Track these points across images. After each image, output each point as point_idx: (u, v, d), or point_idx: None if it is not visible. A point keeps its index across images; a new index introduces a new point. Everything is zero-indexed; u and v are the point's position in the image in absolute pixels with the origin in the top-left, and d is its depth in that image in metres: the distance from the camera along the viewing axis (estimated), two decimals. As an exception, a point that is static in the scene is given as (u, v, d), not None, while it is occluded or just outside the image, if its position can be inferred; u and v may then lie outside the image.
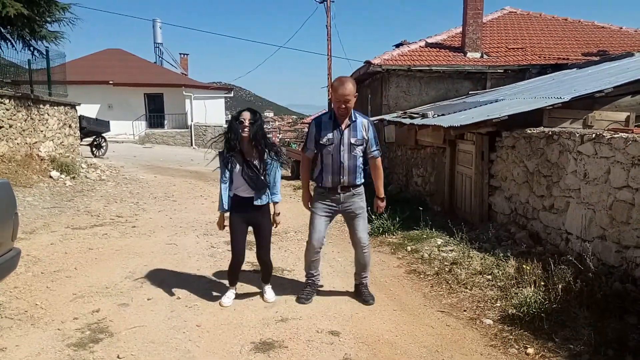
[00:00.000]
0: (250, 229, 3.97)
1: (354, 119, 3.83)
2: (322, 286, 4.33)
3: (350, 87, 3.73)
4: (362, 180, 3.95)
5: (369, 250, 4.07)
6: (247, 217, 3.86)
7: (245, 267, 4.97)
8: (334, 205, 3.95)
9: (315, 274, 4.17)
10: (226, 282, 4.18)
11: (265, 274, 4.15)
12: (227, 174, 3.76)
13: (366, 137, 3.84)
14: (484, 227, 5.95)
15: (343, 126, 3.81)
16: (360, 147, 3.84)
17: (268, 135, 3.89)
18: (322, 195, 3.96)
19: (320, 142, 3.84)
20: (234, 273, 4.02)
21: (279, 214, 3.96)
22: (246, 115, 3.68)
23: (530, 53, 12.97)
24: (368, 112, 13.43)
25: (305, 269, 4.18)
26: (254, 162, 3.74)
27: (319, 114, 4.33)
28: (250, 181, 3.74)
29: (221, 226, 3.96)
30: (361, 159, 3.89)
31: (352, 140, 3.81)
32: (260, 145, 3.72)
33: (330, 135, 3.81)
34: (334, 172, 3.85)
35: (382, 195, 4.08)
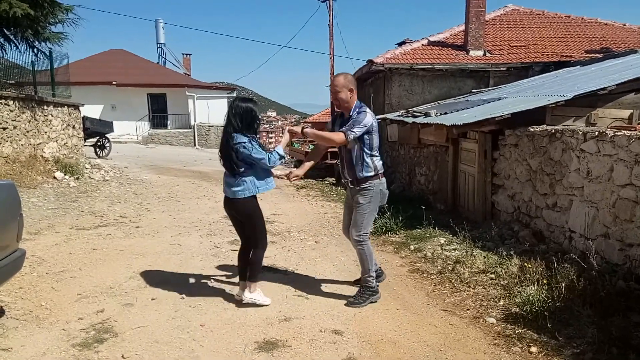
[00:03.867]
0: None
1: (351, 114, 3.85)
2: (381, 274, 4.31)
3: (339, 80, 3.86)
4: (368, 174, 3.85)
5: (363, 248, 3.91)
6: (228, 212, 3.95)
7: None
8: (349, 196, 4.15)
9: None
10: (231, 281, 4.19)
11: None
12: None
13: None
14: (487, 225, 5.94)
15: (344, 121, 3.90)
16: (356, 141, 3.82)
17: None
18: (346, 186, 4.22)
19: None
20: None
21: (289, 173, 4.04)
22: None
23: (533, 51, 12.93)
24: (371, 110, 13.41)
25: None
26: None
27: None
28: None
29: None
30: (362, 152, 3.83)
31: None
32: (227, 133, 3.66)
33: (336, 130, 3.92)
34: (340, 167, 4.12)
35: (305, 131, 3.91)
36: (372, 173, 3.88)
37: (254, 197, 3.76)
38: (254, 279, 3.90)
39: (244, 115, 3.63)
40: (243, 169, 3.65)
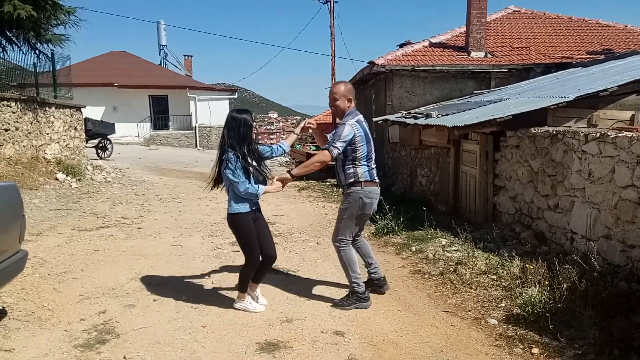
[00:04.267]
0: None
1: (342, 123, 3.84)
2: (382, 277, 4.29)
3: (338, 87, 3.89)
4: (349, 180, 3.83)
5: (340, 253, 3.92)
6: None
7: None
8: None
9: (368, 266, 4.24)
10: (233, 282, 4.19)
11: None
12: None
13: None
14: (488, 226, 5.94)
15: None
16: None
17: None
18: None
19: None
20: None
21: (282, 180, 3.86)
22: None
23: (534, 52, 12.93)
24: (372, 112, 13.43)
25: None
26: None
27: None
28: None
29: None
30: (344, 161, 3.83)
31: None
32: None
33: None
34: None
35: (291, 175, 3.85)
36: (353, 180, 3.85)
37: (243, 214, 3.64)
38: (241, 289, 3.87)
39: (237, 126, 3.56)
40: (226, 185, 3.65)
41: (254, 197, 3.64)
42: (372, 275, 4.24)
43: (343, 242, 3.92)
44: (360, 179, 3.83)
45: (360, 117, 3.88)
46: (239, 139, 3.55)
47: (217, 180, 3.72)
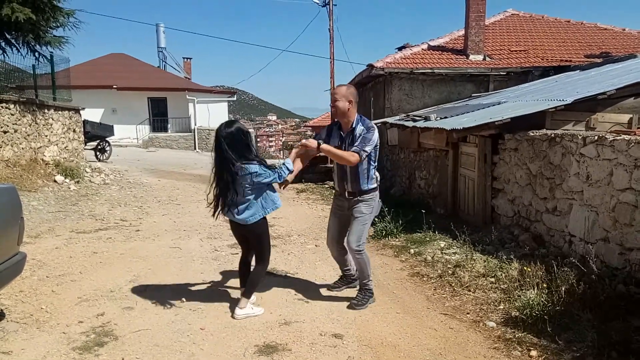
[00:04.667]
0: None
1: (353, 126, 3.86)
2: (357, 279, 4.29)
3: (340, 89, 3.89)
4: (372, 186, 3.91)
5: (362, 257, 3.92)
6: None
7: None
8: (343, 208, 4.05)
9: (344, 269, 4.32)
10: (231, 284, 4.20)
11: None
12: None
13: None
14: (487, 229, 5.95)
15: (344, 134, 3.90)
16: None
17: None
18: (335, 196, 4.20)
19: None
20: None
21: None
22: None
23: (532, 55, 12.97)
24: (371, 114, 13.45)
25: None
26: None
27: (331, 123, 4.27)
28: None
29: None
30: (369, 165, 3.87)
31: (346, 149, 3.83)
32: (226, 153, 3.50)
33: (336, 144, 3.89)
34: (339, 178, 4.00)
35: (319, 145, 3.75)
36: (375, 185, 3.96)
37: (264, 217, 3.70)
38: (248, 295, 3.82)
39: (237, 139, 3.50)
40: (251, 193, 3.58)
41: (288, 172, 3.65)
42: (349, 272, 4.36)
43: (364, 245, 3.97)
44: (378, 182, 3.98)
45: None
46: (247, 148, 3.51)
47: (241, 196, 3.55)
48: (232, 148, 3.47)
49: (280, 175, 3.61)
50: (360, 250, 3.90)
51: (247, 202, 3.59)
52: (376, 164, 3.95)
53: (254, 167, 3.49)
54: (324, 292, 4.39)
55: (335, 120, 4.07)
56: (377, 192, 3.99)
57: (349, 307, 3.98)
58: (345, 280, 4.40)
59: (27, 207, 7.21)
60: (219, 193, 3.63)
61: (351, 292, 4.26)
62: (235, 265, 4.66)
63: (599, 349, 3.06)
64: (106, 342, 3.33)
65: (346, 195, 3.97)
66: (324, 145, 3.77)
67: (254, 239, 3.78)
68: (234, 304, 3.97)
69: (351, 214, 3.95)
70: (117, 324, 3.62)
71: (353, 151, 3.76)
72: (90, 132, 14.38)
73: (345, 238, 4.01)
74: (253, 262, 3.90)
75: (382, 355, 3.24)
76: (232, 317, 3.77)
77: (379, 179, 4.02)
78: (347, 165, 3.84)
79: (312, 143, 3.78)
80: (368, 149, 3.77)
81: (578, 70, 10.46)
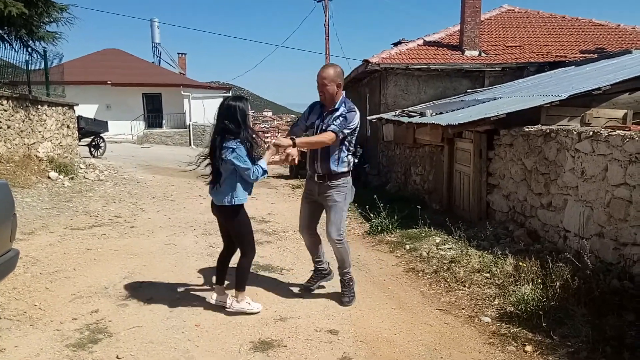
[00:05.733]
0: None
1: (336, 107, 3.76)
2: (330, 273, 4.29)
3: (328, 72, 3.72)
4: (342, 169, 3.79)
5: (343, 246, 3.87)
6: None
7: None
8: (313, 193, 3.94)
9: (316, 259, 4.20)
10: (226, 281, 4.16)
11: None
12: None
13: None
14: (482, 225, 5.95)
15: (325, 113, 3.81)
16: None
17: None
18: (306, 179, 4.07)
19: (306, 124, 3.90)
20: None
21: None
22: None
23: (528, 51, 12.98)
24: (366, 110, 13.44)
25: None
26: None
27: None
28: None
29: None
30: (341, 148, 3.75)
31: (324, 127, 3.73)
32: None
33: (314, 120, 3.84)
34: (311, 158, 3.88)
35: (295, 142, 3.61)
36: (347, 169, 3.84)
37: (241, 205, 3.61)
38: (240, 287, 3.74)
39: (235, 114, 3.46)
40: (226, 175, 3.51)
41: (263, 174, 3.53)
42: (320, 265, 4.24)
43: (345, 234, 3.90)
44: (351, 167, 3.87)
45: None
46: (240, 126, 3.45)
47: (217, 174, 3.54)
48: (230, 120, 3.44)
49: (254, 174, 3.47)
50: (341, 240, 3.85)
51: (224, 184, 3.53)
52: (351, 148, 3.82)
53: (232, 143, 3.42)
54: (319, 288, 4.38)
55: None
56: (348, 178, 3.86)
57: (342, 304, 3.94)
58: (319, 274, 4.27)
59: (21, 204, 7.16)
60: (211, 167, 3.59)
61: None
62: (230, 262, 4.65)
63: (593, 343, 3.07)
64: (100, 339, 3.31)
65: (316, 178, 3.84)
66: (297, 140, 3.64)
67: (231, 228, 3.70)
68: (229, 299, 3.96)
69: (324, 202, 3.86)
70: (112, 321, 3.60)
71: (331, 130, 3.66)
72: (84, 128, 14.30)
73: (325, 229, 3.89)
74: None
75: (377, 351, 3.24)
76: (227, 309, 3.74)
77: (351, 164, 3.87)
78: None
79: (285, 142, 3.64)
80: (346, 131, 3.68)
81: (573, 66, 10.48)
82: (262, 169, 3.51)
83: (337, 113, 3.75)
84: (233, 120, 3.45)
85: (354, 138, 3.83)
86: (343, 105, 3.78)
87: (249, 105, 3.59)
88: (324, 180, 3.82)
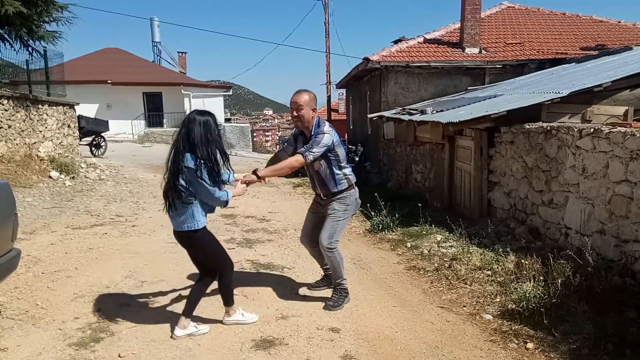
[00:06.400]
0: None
1: (313, 132, 3.72)
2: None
3: (301, 96, 3.69)
4: (342, 187, 3.81)
5: (334, 255, 3.80)
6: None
7: (245, 265, 5.00)
8: (319, 208, 4.01)
9: (324, 267, 4.22)
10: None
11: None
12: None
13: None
14: (483, 222, 5.95)
15: (307, 139, 3.76)
16: (321, 160, 3.71)
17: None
18: (314, 197, 4.13)
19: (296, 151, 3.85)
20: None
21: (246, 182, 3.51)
22: None
23: (528, 48, 12.96)
24: (367, 108, 13.43)
25: None
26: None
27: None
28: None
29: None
30: (331, 168, 3.75)
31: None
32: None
33: (301, 148, 3.75)
34: (312, 183, 4.01)
35: (257, 176, 3.55)
36: (346, 186, 3.84)
37: (204, 228, 3.26)
38: (228, 303, 3.54)
39: (198, 130, 3.11)
40: (187, 195, 3.14)
41: (225, 204, 3.21)
42: (329, 272, 4.18)
43: (336, 244, 3.84)
44: (352, 182, 3.87)
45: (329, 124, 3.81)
46: (207, 142, 3.11)
47: (176, 195, 3.13)
48: (190, 136, 3.11)
49: (218, 200, 3.16)
50: (331, 248, 3.79)
51: (184, 205, 3.16)
52: (342, 164, 3.79)
53: (191, 162, 3.07)
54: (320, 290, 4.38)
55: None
56: (352, 191, 3.87)
57: (324, 308, 3.87)
58: (327, 280, 4.24)
59: (22, 203, 7.17)
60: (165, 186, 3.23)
61: (349, 286, 4.26)
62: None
63: (595, 340, 3.07)
64: (102, 338, 3.32)
65: (322, 197, 3.93)
66: (261, 172, 3.56)
67: (196, 252, 3.39)
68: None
69: (326, 212, 3.87)
70: (113, 320, 3.61)
71: (299, 152, 3.65)
72: (85, 128, 14.29)
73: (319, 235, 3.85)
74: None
75: (378, 349, 3.24)
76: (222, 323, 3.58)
77: (352, 179, 3.87)
78: (313, 173, 3.82)
79: (252, 178, 3.54)
80: (316, 150, 3.61)
81: (574, 63, 10.45)
82: (227, 197, 3.19)
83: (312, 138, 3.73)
84: (195, 137, 3.10)
85: (340, 154, 3.78)
86: (317, 126, 3.73)
87: (216, 121, 3.23)
88: (328, 198, 3.88)
